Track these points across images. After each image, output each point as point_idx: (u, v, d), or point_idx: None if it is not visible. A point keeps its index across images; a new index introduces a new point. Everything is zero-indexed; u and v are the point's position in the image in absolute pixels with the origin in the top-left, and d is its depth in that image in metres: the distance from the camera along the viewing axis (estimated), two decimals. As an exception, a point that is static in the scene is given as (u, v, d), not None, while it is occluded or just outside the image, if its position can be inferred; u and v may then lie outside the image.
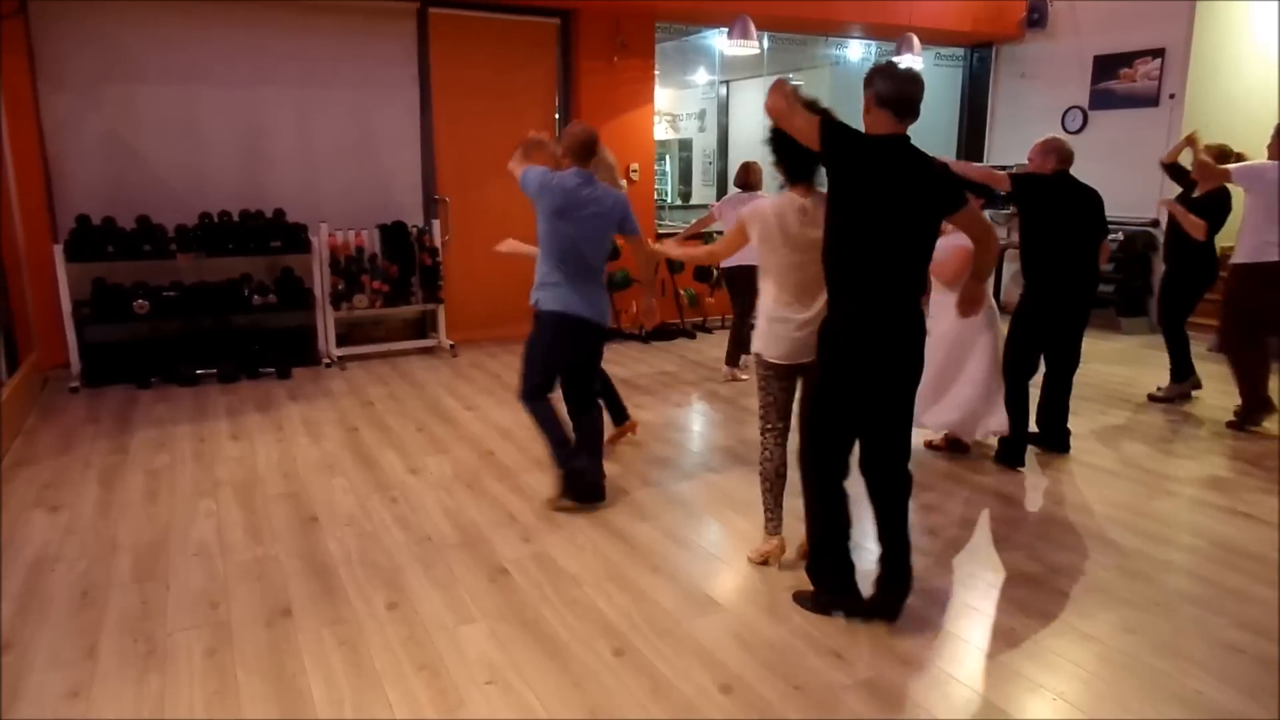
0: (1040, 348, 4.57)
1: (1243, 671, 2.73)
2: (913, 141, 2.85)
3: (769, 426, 3.32)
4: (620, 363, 6.82)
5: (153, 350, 6.24)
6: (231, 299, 6.36)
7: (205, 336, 6.44)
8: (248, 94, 6.65)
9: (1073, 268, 4.43)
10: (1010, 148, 9.12)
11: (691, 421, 5.48)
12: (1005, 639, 2.91)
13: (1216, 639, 2.91)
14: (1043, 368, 4.65)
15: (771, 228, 3.12)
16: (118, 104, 6.28)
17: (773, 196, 3.54)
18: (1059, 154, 4.40)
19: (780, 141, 3.04)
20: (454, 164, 7.40)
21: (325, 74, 6.86)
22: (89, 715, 2.49)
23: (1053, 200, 4.38)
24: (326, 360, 6.70)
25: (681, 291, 7.99)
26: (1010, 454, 4.54)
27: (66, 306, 5.94)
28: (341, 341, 6.92)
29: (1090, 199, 4.41)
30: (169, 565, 3.40)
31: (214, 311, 6.38)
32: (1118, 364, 6.71)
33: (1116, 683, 2.67)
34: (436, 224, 7.14)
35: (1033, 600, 3.16)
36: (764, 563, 3.40)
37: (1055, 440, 4.76)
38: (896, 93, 2.78)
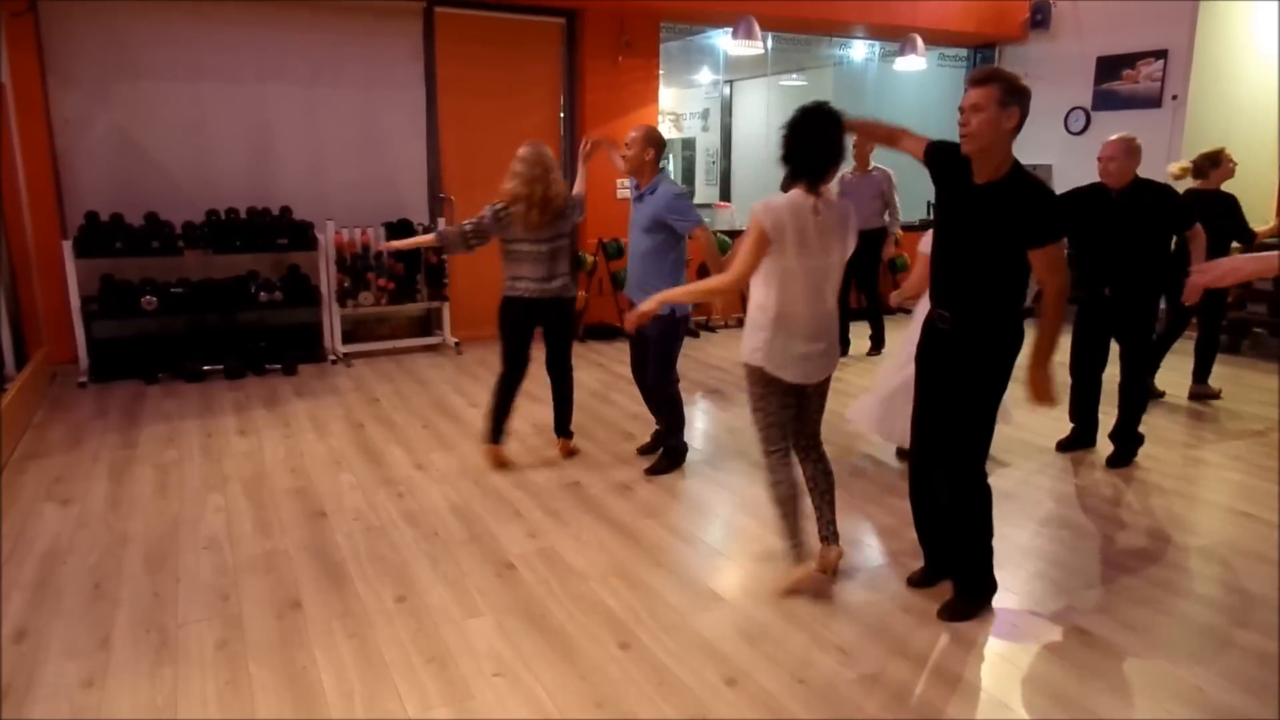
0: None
1: (1242, 667, 2.77)
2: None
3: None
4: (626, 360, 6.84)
5: (160, 346, 6.28)
6: (238, 296, 6.40)
7: (212, 333, 6.49)
8: (255, 92, 6.69)
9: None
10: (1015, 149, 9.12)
11: (695, 420, 5.52)
12: (1006, 633, 2.94)
13: (1216, 637, 2.95)
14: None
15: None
16: (126, 101, 6.32)
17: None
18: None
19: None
20: (459, 162, 7.43)
21: (332, 72, 6.89)
22: (104, 704, 2.53)
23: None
24: (332, 357, 6.75)
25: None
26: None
27: (75, 302, 5.98)
28: (347, 339, 6.96)
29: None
30: (179, 558, 3.44)
31: (221, 308, 6.42)
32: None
33: (1107, 675, 2.70)
34: (441, 222, 7.17)
35: (1035, 594, 3.20)
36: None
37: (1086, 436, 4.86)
38: None
